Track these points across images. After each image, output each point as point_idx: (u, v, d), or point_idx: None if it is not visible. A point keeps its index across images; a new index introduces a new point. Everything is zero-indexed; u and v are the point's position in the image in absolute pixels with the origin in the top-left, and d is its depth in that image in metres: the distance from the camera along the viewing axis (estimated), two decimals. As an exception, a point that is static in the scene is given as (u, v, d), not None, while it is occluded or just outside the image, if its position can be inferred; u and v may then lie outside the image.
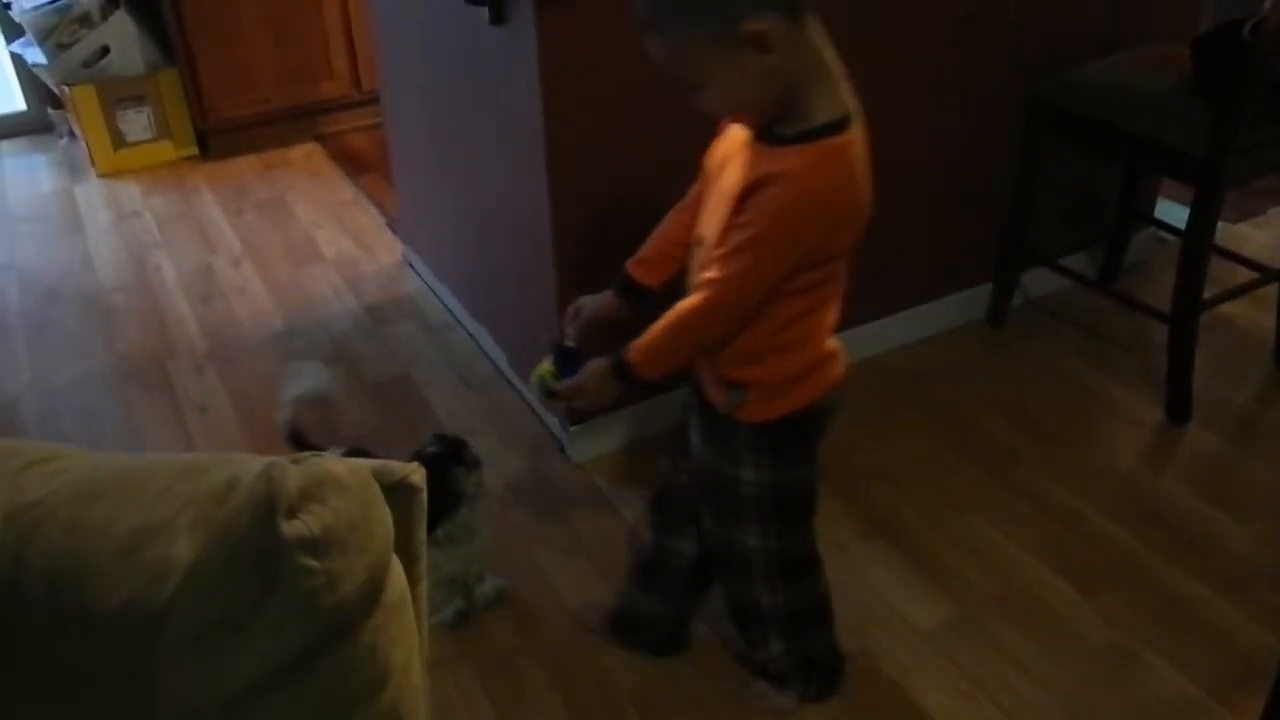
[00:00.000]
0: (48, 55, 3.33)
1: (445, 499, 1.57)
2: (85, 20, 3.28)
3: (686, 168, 1.91)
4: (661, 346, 1.26)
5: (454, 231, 2.48)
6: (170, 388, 2.45)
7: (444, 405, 2.31)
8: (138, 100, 3.42)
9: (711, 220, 1.26)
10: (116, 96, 3.39)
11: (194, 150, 3.57)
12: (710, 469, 1.42)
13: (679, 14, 1.12)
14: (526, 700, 1.64)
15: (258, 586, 0.66)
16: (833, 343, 1.32)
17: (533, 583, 1.83)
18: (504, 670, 1.68)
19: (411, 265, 2.85)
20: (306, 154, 3.58)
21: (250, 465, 0.74)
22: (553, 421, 2.17)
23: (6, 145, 3.83)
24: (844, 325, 1.29)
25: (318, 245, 3.03)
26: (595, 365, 1.32)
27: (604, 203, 1.90)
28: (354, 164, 3.43)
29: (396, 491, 0.86)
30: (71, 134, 3.68)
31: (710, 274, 1.20)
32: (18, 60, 3.68)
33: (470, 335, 2.53)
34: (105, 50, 3.33)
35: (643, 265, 1.44)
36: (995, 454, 2.09)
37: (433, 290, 2.73)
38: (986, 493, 1.99)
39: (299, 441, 1.69)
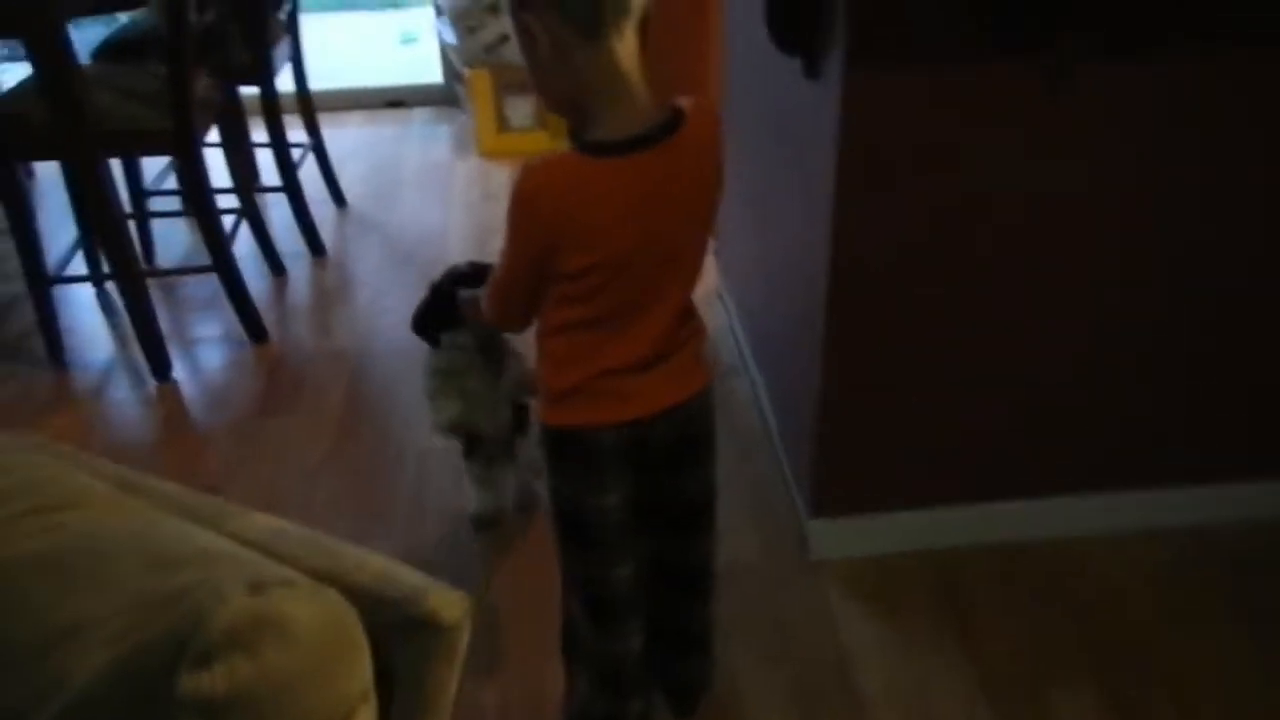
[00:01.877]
0: (458, 36, 3.60)
1: (447, 316, 1.69)
2: (494, 9, 3.50)
3: (981, 261, 1.67)
4: (487, 302, 1.36)
5: (754, 273, 2.34)
6: (462, 372, 2.53)
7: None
8: (524, 89, 3.60)
9: None
10: (506, 82, 3.59)
11: (566, 145, 3.69)
12: None
13: None
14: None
15: (133, 740, 0.57)
16: (624, 386, 1.28)
17: (721, 686, 1.64)
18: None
19: (721, 298, 2.74)
20: (662, 163, 3.59)
21: (221, 579, 0.65)
22: (802, 506, 1.96)
23: (421, 112, 4.23)
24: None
25: (642, 257, 3.01)
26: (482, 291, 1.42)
27: (884, 280, 1.67)
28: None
29: (414, 629, 0.75)
30: (470, 112, 3.98)
31: None
32: (440, 36, 4.03)
33: (752, 385, 2.38)
34: (505, 38, 3.53)
35: None
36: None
37: (733, 328, 2.60)
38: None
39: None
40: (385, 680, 0.75)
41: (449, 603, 0.77)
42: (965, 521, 1.91)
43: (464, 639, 0.78)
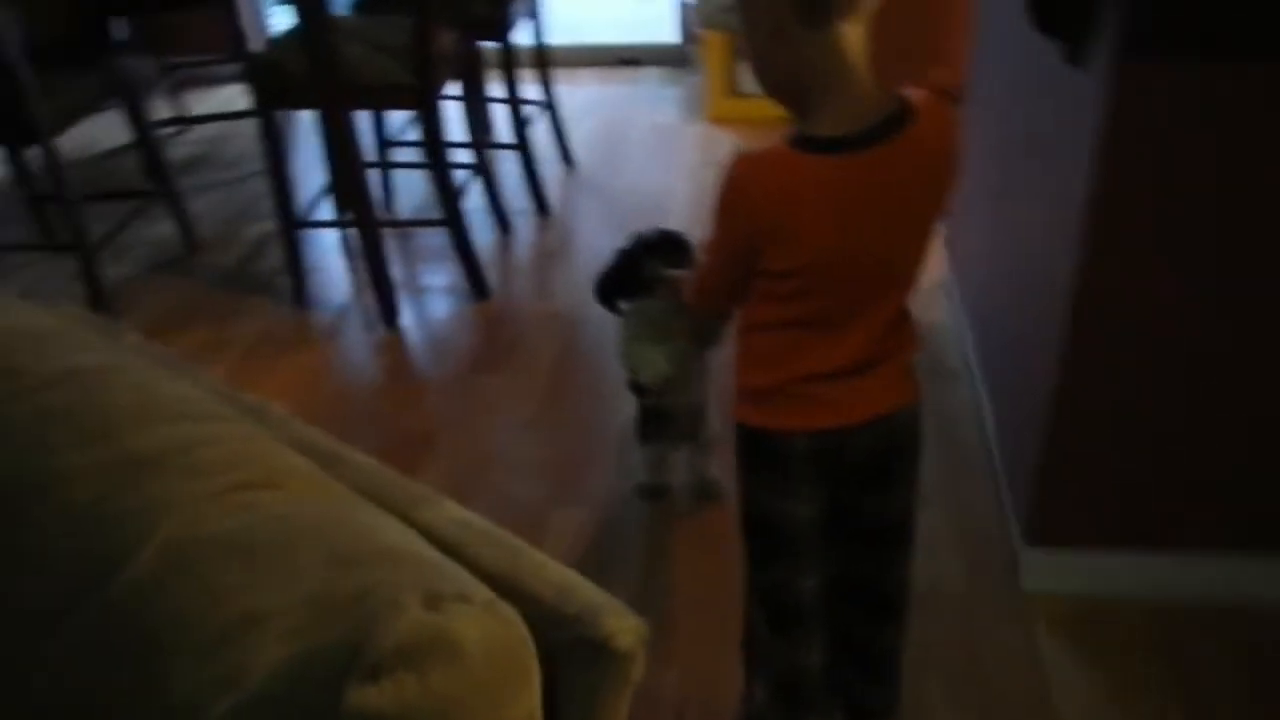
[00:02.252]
0: (699, -2, 3.55)
1: (633, 283, 1.63)
2: (737, -28, 3.41)
3: (1251, 293, 1.46)
4: (690, 287, 1.33)
5: (987, 269, 2.18)
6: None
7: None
8: (760, 55, 3.51)
9: None
10: (741, 46, 3.50)
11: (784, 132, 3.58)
12: None
13: None
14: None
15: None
16: (823, 392, 1.21)
17: (911, 717, 1.55)
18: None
19: (949, 290, 2.58)
20: (898, 139, 3.41)
21: (399, 586, 0.63)
22: (1016, 532, 1.81)
23: (653, 72, 4.22)
24: None
25: (867, 239, 2.88)
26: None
27: (1137, 298, 1.50)
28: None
29: (585, 650, 0.72)
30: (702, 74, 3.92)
31: None
32: (682, -4, 4.00)
33: (974, 390, 2.22)
34: (745, 2, 3.44)
35: None
36: None
37: (958, 326, 2.44)
38: None
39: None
40: (551, 698, 0.72)
41: (624, 628, 0.73)
42: (1199, 571, 1.70)
43: (637, 667, 0.74)
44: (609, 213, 3.18)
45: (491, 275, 2.81)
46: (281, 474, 0.76)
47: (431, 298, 2.85)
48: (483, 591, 0.65)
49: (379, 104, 2.71)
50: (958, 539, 1.87)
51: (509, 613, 0.66)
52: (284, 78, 2.37)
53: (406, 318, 2.70)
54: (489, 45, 2.99)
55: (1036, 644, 1.66)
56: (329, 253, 3.04)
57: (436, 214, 2.71)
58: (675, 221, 3.02)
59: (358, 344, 2.66)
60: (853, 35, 1.06)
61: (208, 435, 0.78)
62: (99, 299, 2.64)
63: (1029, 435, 1.72)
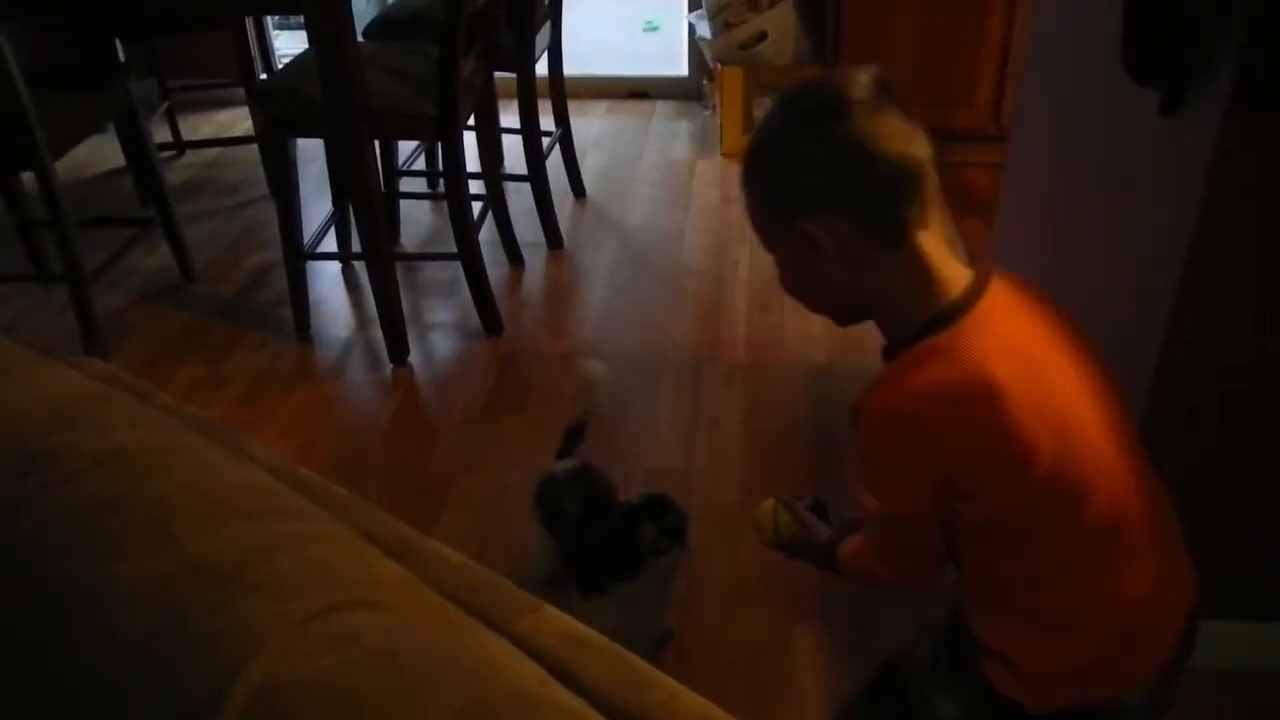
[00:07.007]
0: (713, 31, 3.47)
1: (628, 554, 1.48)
2: (754, 4, 3.34)
3: None
4: (851, 571, 1.18)
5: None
6: (696, 391, 2.40)
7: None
8: (777, 90, 3.43)
9: None
10: (759, 83, 3.43)
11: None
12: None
13: (762, 187, 1.04)
14: None
15: None
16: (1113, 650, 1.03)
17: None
18: None
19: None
20: (919, 179, 3.33)
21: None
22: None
23: (662, 106, 4.13)
24: None
25: (893, 282, 2.80)
26: (821, 539, 1.26)
27: (1232, 386, 1.42)
28: (963, 201, 3.11)
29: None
30: (714, 109, 3.84)
31: None
32: (690, 29, 3.91)
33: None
34: (762, 36, 3.37)
35: None
36: None
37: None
38: None
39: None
40: None
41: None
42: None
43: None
44: (623, 249, 3.08)
45: (502, 309, 2.69)
46: (376, 587, 0.64)
47: (440, 334, 2.72)
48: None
49: (399, 133, 2.60)
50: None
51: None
52: (298, 104, 2.25)
53: (415, 355, 2.58)
54: (504, 76, 2.89)
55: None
56: (330, 285, 2.92)
57: (443, 245, 2.60)
58: (693, 259, 2.95)
59: (364, 381, 2.54)
60: (933, 237, 0.99)
61: (287, 536, 0.66)
62: (91, 332, 2.49)
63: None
